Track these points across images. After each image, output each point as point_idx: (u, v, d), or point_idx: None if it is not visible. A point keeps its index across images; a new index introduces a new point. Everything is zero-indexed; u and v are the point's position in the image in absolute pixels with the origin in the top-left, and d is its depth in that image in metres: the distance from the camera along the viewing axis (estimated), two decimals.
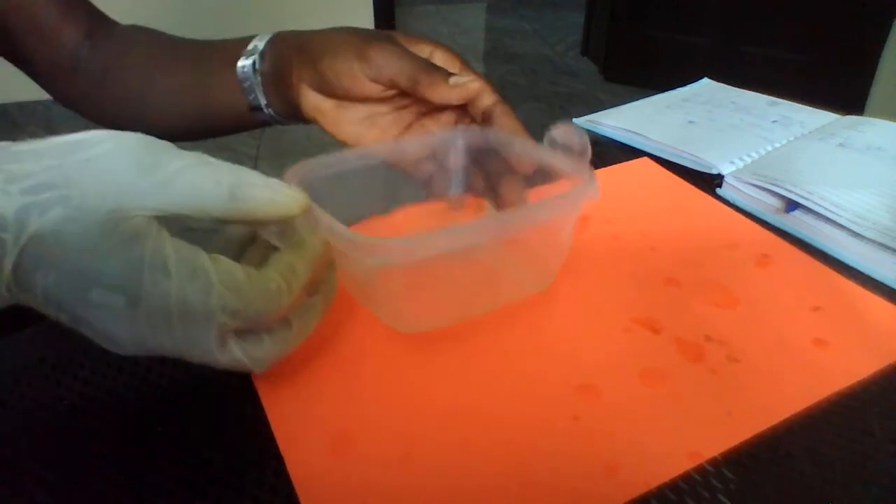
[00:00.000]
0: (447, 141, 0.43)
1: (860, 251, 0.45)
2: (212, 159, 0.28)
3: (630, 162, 0.57)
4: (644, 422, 0.34)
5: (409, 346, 0.38)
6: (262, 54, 0.45)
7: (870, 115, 0.61)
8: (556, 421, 0.34)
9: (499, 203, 0.41)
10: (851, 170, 0.51)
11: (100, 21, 0.53)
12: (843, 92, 1.97)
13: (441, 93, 0.40)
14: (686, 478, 0.31)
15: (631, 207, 0.51)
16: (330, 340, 0.38)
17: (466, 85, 0.40)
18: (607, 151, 0.59)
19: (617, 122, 0.62)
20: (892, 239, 0.44)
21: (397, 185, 0.44)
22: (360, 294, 0.39)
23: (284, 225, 0.31)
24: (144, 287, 0.26)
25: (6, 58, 0.51)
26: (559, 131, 0.38)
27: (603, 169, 0.56)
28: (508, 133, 0.40)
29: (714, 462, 0.32)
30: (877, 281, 0.44)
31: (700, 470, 0.31)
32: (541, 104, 2.40)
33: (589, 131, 0.63)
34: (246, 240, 0.33)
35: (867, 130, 0.57)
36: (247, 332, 0.30)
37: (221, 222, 0.29)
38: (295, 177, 0.36)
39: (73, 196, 0.25)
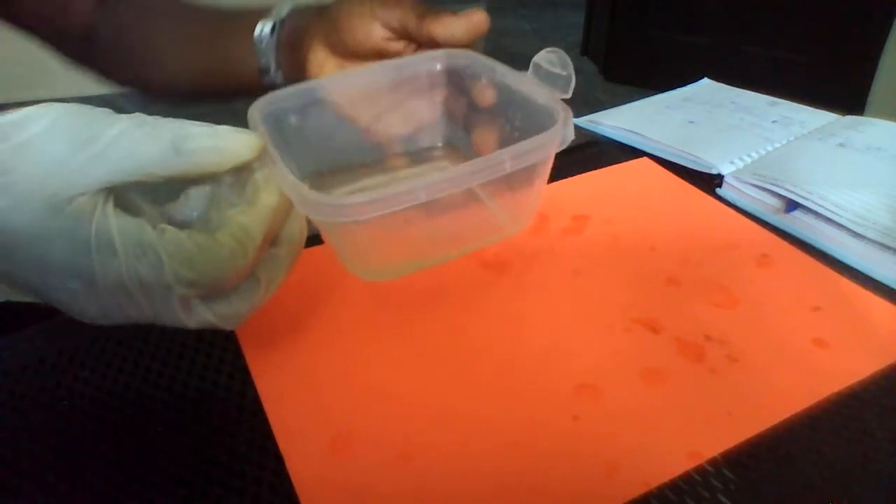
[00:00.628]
0: (424, 69, 0.41)
1: (860, 251, 0.45)
2: (150, 118, 0.27)
3: (630, 162, 0.57)
4: (644, 422, 0.34)
5: (409, 346, 0.38)
6: (283, 20, 0.46)
7: (870, 115, 0.61)
8: (556, 421, 0.34)
9: (472, 149, 0.40)
10: (851, 170, 0.51)
11: None
12: (844, 92, 1.97)
13: (448, 25, 0.39)
14: (686, 478, 0.31)
15: (631, 207, 0.51)
16: (330, 341, 0.38)
17: (470, 15, 0.39)
18: (607, 151, 0.59)
19: (617, 122, 0.62)
20: (892, 239, 0.44)
21: (375, 103, 0.41)
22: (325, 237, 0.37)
23: (241, 176, 0.29)
24: (95, 269, 0.26)
25: (13, 24, 0.51)
26: (545, 58, 0.36)
27: (603, 169, 0.56)
28: (490, 60, 0.39)
29: (714, 462, 0.32)
30: (877, 281, 0.44)
31: (700, 470, 0.31)
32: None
33: (589, 131, 0.63)
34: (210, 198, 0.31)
35: (867, 130, 0.57)
36: (213, 293, 0.29)
37: (171, 181, 0.28)
38: (260, 111, 0.34)
39: (16, 183, 0.25)
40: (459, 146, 0.41)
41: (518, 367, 0.37)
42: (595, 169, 0.56)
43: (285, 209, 0.30)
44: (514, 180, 0.35)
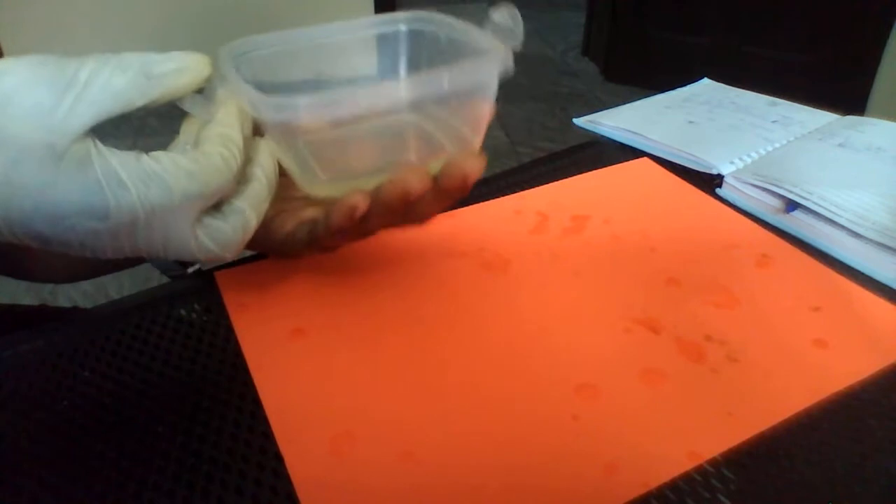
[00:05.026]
0: (390, 30, 0.41)
1: (860, 251, 0.45)
2: (108, 55, 0.28)
3: (630, 162, 0.57)
4: (644, 422, 0.34)
5: (409, 346, 0.38)
6: None
7: (870, 116, 0.61)
8: (556, 421, 0.34)
9: None
10: (851, 170, 0.51)
11: None
12: (844, 92, 1.96)
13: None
14: (686, 478, 0.31)
15: (631, 207, 0.51)
16: (330, 341, 0.38)
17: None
18: (607, 151, 0.59)
19: (617, 122, 0.62)
20: (892, 239, 0.44)
21: (345, 55, 0.42)
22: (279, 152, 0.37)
23: (205, 93, 0.32)
24: (110, 205, 0.27)
25: None
26: (499, 14, 0.37)
27: (603, 169, 0.56)
28: (449, 19, 0.39)
29: (714, 462, 0.32)
30: (877, 281, 0.44)
31: (700, 470, 0.31)
32: (541, 104, 2.40)
33: (589, 131, 0.63)
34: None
35: (867, 130, 0.57)
36: (207, 220, 0.31)
37: (147, 107, 0.29)
38: (230, 53, 0.35)
39: (10, 138, 0.25)
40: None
41: (518, 366, 0.37)
42: (595, 169, 0.56)
43: (249, 113, 0.33)
44: (455, 104, 0.36)
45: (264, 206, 0.33)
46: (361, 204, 0.34)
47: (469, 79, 0.34)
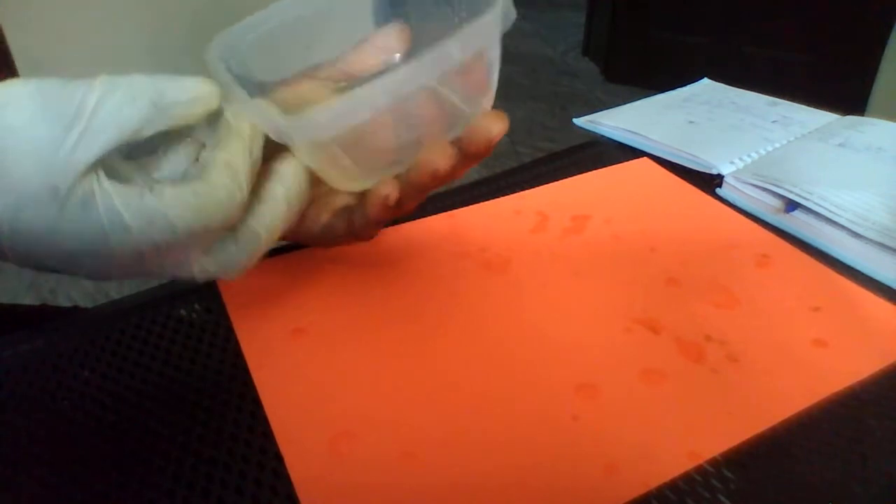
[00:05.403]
0: None
1: (860, 251, 0.45)
2: (118, 78, 0.27)
3: (630, 162, 0.57)
4: (644, 422, 0.34)
5: (409, 346, 0.38)
6: None
7: (870, 116, 0.61)
8: (556, 420, 0.34)
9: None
10: (851, 170, 0.51)
11: None
12: (844, 92, 1.96)
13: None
14: (686, 478, 0.31)
15: (631, 207, 0.51)
16: (330, 341, 0.38)
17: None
18: (607, 151, 0.59)
19: (617, 122, 0.62)
20: (892, 239, 0.44)
21: (332, 32, 0.41)
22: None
23: (213, 119, 0.31)
24: (113, 247, 0.27)
25: None
26: None
27: (603, 169, 0.56)
28: None
29: (714, 462, 0.32)
30: (877, 281, 0.44)
31: (700, 470, 0.31)
32: (541, 104, 2.40)
33: (589, 131, 0.63)
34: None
35: (867, 131, 0.57)
36: (215, 244, 0.31)
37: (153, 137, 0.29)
38: (218, 48, 0.34)
39: (15, 182, 0.25)
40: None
41: (518, 366, 0.37)
42: (595, 169, 0.56)
43: (261, 138, 0.32)
44: (466, 65, 0.34)
45: (282, 227, 0.33)
46: (393, 193, 0.34)
47: (478, 42, 0.32)
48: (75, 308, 0.66)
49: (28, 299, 1.42)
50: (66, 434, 0.33)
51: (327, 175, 0.36)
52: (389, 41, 0.38)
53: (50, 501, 0.30)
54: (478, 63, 0.34)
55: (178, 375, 0.36)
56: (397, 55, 0.39)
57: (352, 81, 0.38)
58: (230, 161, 0.30)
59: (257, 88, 0.35)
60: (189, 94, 0.28)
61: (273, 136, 0.31)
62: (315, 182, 0.36)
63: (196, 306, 0.41)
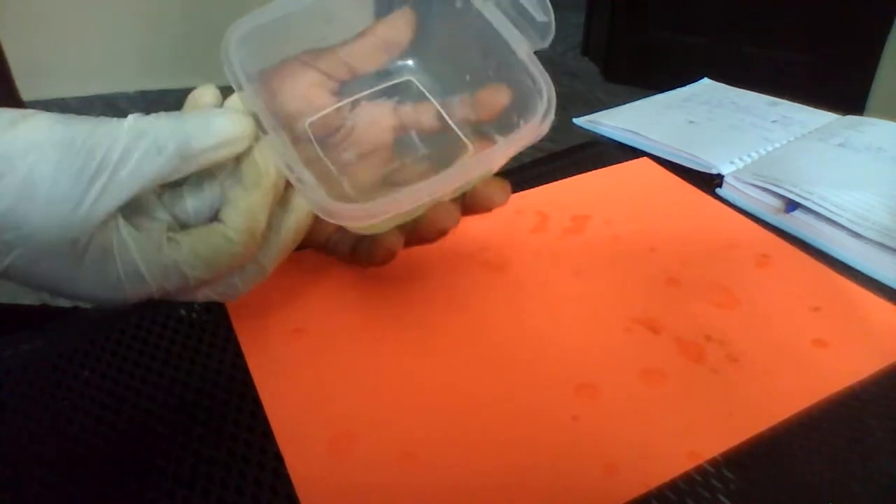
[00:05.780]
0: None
1: (860, 251, 0.45)
2: (145, 124, 0.26)
3: (630, 162, 0.57)
4: (644, 422, 0.34)
5: (408, 346, 0.38)
6: None
7: (870, 115, 0.61)
8: (556, 420, 0.34)
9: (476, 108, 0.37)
10: (851, 170, 0.51)
11: None
12: (844, 92, 1.96)
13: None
14: (686, 478, 0.31)
15: (631, 207, 0.51)
16: (330, 341, 0.38)
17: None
18: (607, 151, 0.59)
19: (617, 122, 0.62)
20: (892, 239, 0.44)
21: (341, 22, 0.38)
22: None
23: (240, 158, 0.30)
24: (127, 292, 0.28)
25: None
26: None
27: (603, 169, 0.56)
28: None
29: (714, 462, 0.32)
30: (877, 281, 0.44)
31: (700, 470, 0.31)
32: None
33: (589, 131, 0.63)
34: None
35: (867, 130, 0.57)
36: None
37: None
38: (238, 32, 0.32)
39: (31, 234, 0.25)
40: (428, 66, 0.39)
41: (518, 366, 0.37)
42: (595, 169, 0.56)
43: (284, 183, 0.31)
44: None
45: (285, 258, 0.33)
46: (398, 245, 0.36)
47: (522, 145, 0.33)
48: (75, 308, 0.66)
49: (28, 299, 1.42)
50: (66, 434, 0.33)
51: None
52: (394, 34, 0.37)
53: (50, 501, 0.30)
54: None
55: (178, 375, 0.36)
56: (409, 61, 0.39)
57: (352, 78, 0.37)
58: (252, 211, 0.29)
59: (269, 75, 0.34)
60: (217, 139, 0.28)
61: (306, 203, 0.31)
62: None
63: (196, 306, 0.41)
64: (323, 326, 0.39)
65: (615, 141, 0.61)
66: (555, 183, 0.53)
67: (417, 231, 0.36)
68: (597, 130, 0.63)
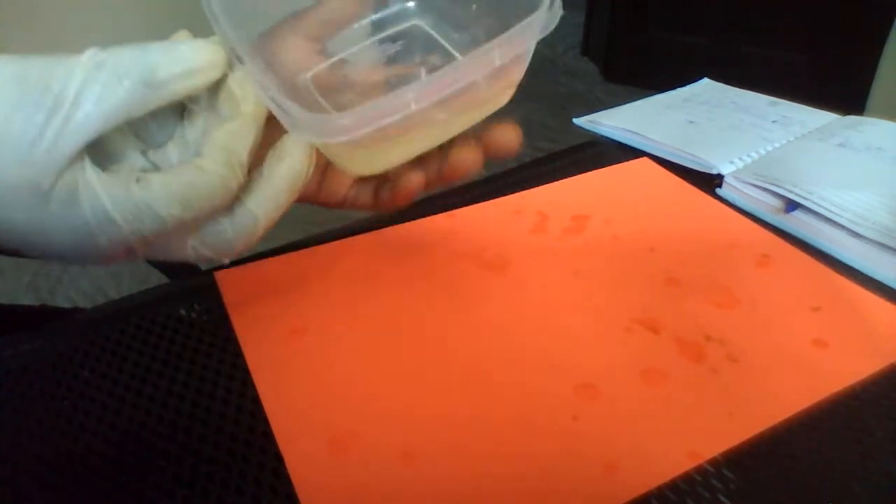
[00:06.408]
0: None
1: (860, 251, 0.45)
2: (104, 54, 0.25)
3: (630, 162, 0.57)
4: (644, 422, 0.34)
5: (409, 346, 0.38)
6: None
7: (870, 115, 0.61)
8: (556, 421, 0.34)
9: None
10: (851, 170, 0.51)
11: None
12: (843, 92, 1.96)
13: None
14: (686, 478, 0.31)
15: (631, 207, 0.51)
16: (330, 341, 0.38)
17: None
18: (607, 151, 0.59)
19: (617, 122, 0.62)
20: (892, 239, 0.44)
21: None
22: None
23: (214, 89, 0.28)
24: (100, 240, 0.26)
25: None
26: None
27: (603, 169, 0.56)
28: None
29: (714, 462, 0.32)
30: (877, 281, 0.44)
31: (700, 470, 0.31)
32: (541, 104, 2.40)
33: (589, 131, 0.63)
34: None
35: (867, 130, 0.57)
36: (209, 226, 0.29)
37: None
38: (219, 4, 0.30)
39: None
40: (432, 3, 0.38)
41: (518, 366, 0.37)
42: (595, 169, 0.56)
43: (265, 115, 0.29)
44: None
45: (283, 208, 0.30)
46: (421, 180, 0.35)
47: (520, 46, 0.31)
48: (75, 308, 0.66)
49: (28, 300, 1.42)
50: (66, 434, 0.33)
51: (339, 162, 0.33)
52: None
53: (50, 501, 0.30)
54: (513, 64, 0.33)
55: (178, 375, 0.36)
56: (410, 3, 0.37)
57: (335, 35, 0.36)
58: (229, 143, 0.27)
59: (259, 45, 0.33)
60: (186, 65, 0.26)
61: (285, 126, 0.28)
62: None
63: (196, 306, 0.41)
64: (323, 326, 0.39)
65: (615, 141, 0.61)
66: (555, 183, 0.54)
67: (441, 173, 0.35)
68: (597, 130, 0.63)
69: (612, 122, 0.62)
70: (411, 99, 0.28)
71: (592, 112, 0.65)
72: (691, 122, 0.62)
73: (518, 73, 0.34)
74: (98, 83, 0.24)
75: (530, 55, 0.34)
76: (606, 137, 0.62)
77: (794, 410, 0.34)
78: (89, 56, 0.25)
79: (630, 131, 0.60)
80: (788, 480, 0.31)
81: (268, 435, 0.33)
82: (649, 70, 2.36)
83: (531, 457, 0.32)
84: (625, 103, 0.68)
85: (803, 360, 0.37)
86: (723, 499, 0.30)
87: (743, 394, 0.35)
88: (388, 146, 0.33)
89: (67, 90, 0.24)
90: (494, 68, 0.31)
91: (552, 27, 0.32)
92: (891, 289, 0.43)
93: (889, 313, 0.41)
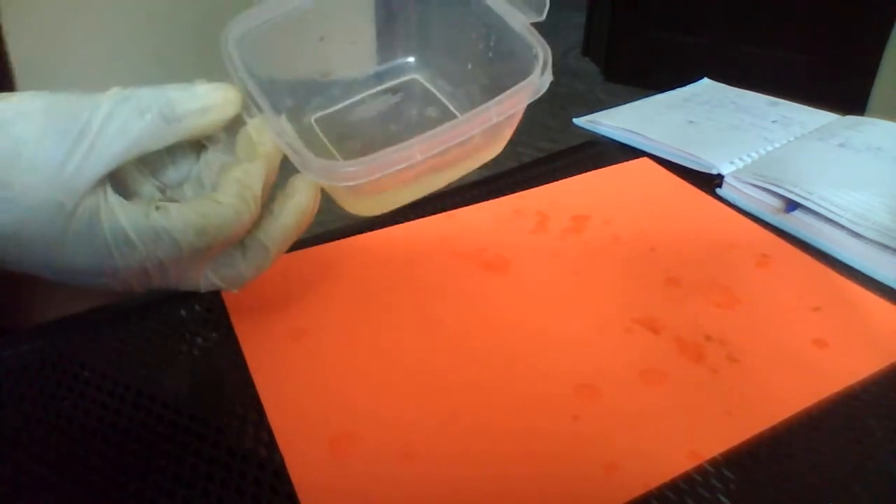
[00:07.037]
0: None
1: (860, 251, 0.45)
2: (128, 91, 0.27)
3: (630, 162, 0.57)
4: (644, 422, 0.34)
5: (409, 346, 0.38)
6: None
7: (870, 115, 0.61)
8: (556, 421, 0.34)
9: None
10: (851, 170, 0.51)
11: None
12: (844, 92, 1.96)
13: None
14: (686, 478, 0.31)
15: (631, 207, 0.51)
16: (330, 341, 0.38)
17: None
18: (607, 151, 0.59)
19: (617, 122, 0.62)
20: (892, 239, 0.44)
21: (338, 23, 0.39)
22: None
23: (232, 129, 0.30)
24: (118, 263, 0.27)
25: None
26: None
27: (603, 169, 0.56)
28: None
29: (714, 462, 0.32)
30: (877, 281, 0.44)
31: (700, 470, 0.31)
32: (541, 104, 2.39)
33: (589, 131, 0.63)
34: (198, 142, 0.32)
35: (867, 130, 0.57)
36: (221, 257, 0.30)
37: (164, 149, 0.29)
38: (234, 37, 0.32)
39: (18, 197, 0.25)
40: (430, 60, 0.40)
41: (518, 367, 0.37)
42: (595, 169, 0.56)
43: (280, 157, 0.31)
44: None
45: (289, 243, 0.32)
46: None
47: (517, 106, 0.33)
48: None
49: None
50: (66, 434, 0.33)
51: (342, 203, 0.35)
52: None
53: (50, 501, 0.30)
54: (507, 122, 0.34)
55: (179, 375, 0.36)
56: (410, 58, 0.39)
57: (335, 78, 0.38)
58: (244, 179, 0.29)
59: (269, 88, 0.34)
60: (201, 102, 0.28)
61: (297, 167, 0.30)
62: None
63: (196, 306, 0.41)
64: (323, 326, 0.39)
65: (615, 141, 0.61)
66: (555, 183, 0.54)
67: None
68: (597, 130, 0.63)
69: (613, 122, 0.62)
70: (416, 151, 0.30)
71: (593, 112, 0.65)
72: (691, 122, 0.62)
73: (510, 129, 0.36)
74: (122, 115, 0.26)
75: (520, 115, 0.36)
76: (606, 137, 0.62)
77: (794, 410, 0.34)
78: (114, 91, 0.27)
79: (630, 131, 0.60)
80: (788, 480, 0.31)
81: (268, 435, 0.33)
82: (649, 70, 2.36)
83: (531, 457, 0.32)
84: (625, 103, 0.68)
85: (803, 360, 0.37)
86: (723, 499, 0.30)
87: (743, 394, 0.35)
88: (388, 191, 0.35)
89: (94, 120, 0.26)
90: (491, 125, 0.33)
91: (543, 91, 0.34)
92: (891, 289, 0.43)
93: (889, 313, 0.41)
